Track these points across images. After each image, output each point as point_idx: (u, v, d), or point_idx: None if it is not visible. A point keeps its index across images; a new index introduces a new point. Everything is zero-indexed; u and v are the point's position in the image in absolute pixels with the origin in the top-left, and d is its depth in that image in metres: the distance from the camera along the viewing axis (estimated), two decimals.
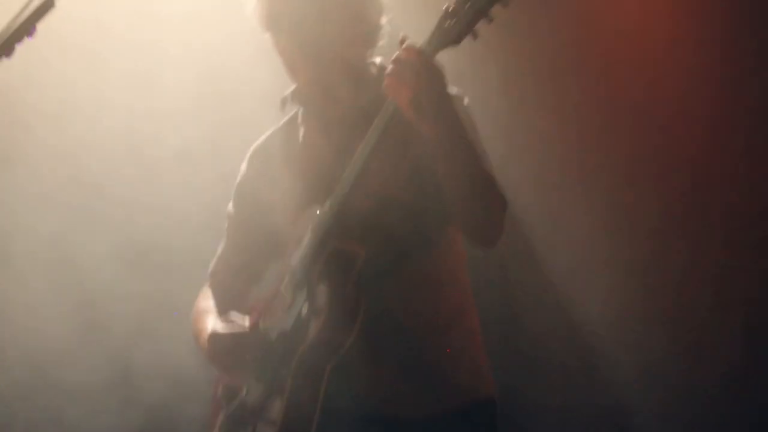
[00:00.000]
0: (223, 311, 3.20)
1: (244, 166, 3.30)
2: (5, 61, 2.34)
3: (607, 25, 4.40)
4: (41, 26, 2.33)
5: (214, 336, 3.08)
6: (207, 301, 3.29)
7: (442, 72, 2.77)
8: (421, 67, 2.73)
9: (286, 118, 3.25)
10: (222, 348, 3.06)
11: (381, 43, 3.09)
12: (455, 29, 2.72)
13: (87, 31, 4.62)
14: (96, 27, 4.64)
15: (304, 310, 2.93)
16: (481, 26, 2.71)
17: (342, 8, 3.01)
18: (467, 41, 2.76)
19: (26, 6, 2.35)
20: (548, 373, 4.59)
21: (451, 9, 2.73)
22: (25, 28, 2.34)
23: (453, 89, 2.91)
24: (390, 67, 2.78)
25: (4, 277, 4.65)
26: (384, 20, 3.08)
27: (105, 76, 4.69)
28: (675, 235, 4.41)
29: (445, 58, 2.80)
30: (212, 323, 3.14)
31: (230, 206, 3.33)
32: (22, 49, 2.31)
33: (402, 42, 2.79)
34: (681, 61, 4.30)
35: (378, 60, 3.12)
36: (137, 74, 4.67)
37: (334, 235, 2.92)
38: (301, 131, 3.19)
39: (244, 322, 3.12)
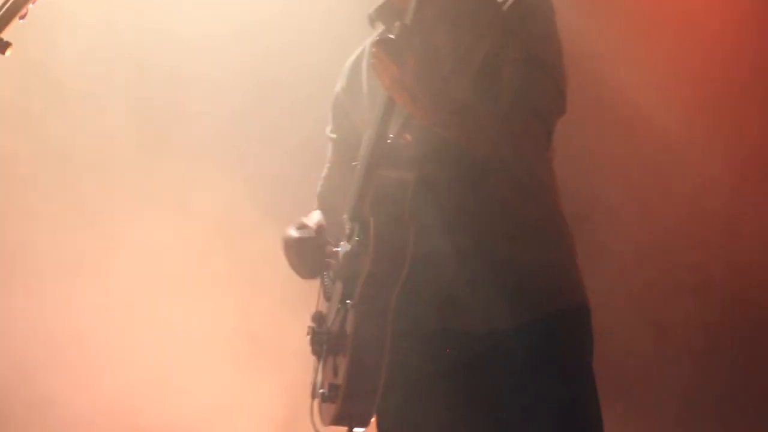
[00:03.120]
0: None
1: (337, 85, 3.30)
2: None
3: None
4: None
5: (285, 239, 3.15)
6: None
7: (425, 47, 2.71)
8: (402, 45, 2.68)
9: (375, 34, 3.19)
10: (290, 250, 3.13)
11: None
12: None
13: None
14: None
15: (355, 245, 2.93)
16: None
17: None
18: None
19: None
20: None
21: None
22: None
23: None
24: (370, 47, 2.72)
25: None
26: None
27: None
28: None
29: None
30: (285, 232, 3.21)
31: (327, 128, 3.35)
32: None
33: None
34: None
35: None
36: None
37: (380, 160, 2.86)
38: None
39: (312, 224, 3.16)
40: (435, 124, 2.80)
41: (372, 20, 3.09)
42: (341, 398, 2.97)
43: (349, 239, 2.99)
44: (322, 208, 3.35)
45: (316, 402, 3.18)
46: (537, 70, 2.86)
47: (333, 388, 2.99)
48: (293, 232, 3.15)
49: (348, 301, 2.93)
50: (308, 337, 3.15)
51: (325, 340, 3.06)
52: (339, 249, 3.08)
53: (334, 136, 3.32)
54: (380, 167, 2.85)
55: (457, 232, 2.91)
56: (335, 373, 3.01)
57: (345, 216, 3.02)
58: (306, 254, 3.10)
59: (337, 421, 3.04)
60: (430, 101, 2.74)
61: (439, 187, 2.88)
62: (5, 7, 2.40)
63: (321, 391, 3.08)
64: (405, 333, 2.90)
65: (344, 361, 2.94)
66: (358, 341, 2.90)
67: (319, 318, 3.16)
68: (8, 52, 2.41)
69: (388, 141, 2.86)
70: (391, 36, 2.72)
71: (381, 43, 2.73)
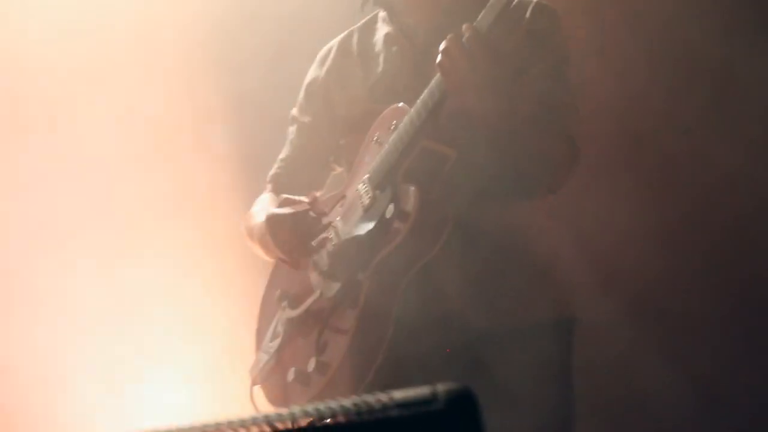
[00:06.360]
0: None
1: (314, 67, 3.20)
2: None
3: None
4: None
5: (273, 216, 2.94)
6: (263, 203, 3.14)
7: (499, 56, 2.72)
8: (475, 50, 2.68)
9: (363, 20, 3.16)
10: (283, 227, 2.92)
11: None
12: None
13: None
14: None
15: (389, 212, 2.81)
16: None
17: None
18: None
19: None
20: None
21: None
22: None
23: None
24: (443, 45, 2.72)
25: None
26: None
27: None
28: None
29: None
30: (267, 210, 3.00)
31: (295, 110, 3.22)
32: None
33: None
34: None
35: None
36: None
37: (426, 133, 2.80)
38: (381, 31, 3.09)
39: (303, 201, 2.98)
40: (490, 127, 2.79)
41: (369, 4, 3.07)
42: (329, 377, 2.83)
43: (368, 209, 2.87)
44: (276, 190, 3.20)
45: (263, 386, 3.03)
46: (557, 84, 2.92)
47: (321, 365, 2.83)
48: (279, 210, 2.96)
49: (360, 274, 2.81)
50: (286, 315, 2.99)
51: (310, 315, 2.91)
52: (336, 220, 2.95)
53: (305, 119, 3.19)
54: (425, 138, 2.80)
55: (478, 222, 2.88)
56: (321, 350, 2.87)
57: (364, 184, 2.91)
58: (303, 230, 2.91)
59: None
60: (494, 107, 2.76)
61: (473, 172, 2.84)
62: None
63: (293, 369, 2.90)
64: (409, 315, 2.81)
65: (343, 338, 2.82)
66: (365, 315, 2.79)
67: (288, 297, 3.01)
68: None
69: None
70: (463, 39, 2.71)
71: (454, 41, 2.71)
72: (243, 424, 1.25)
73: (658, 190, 4.03)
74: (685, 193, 4.01)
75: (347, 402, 1.31)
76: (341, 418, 1.30)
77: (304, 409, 1.33)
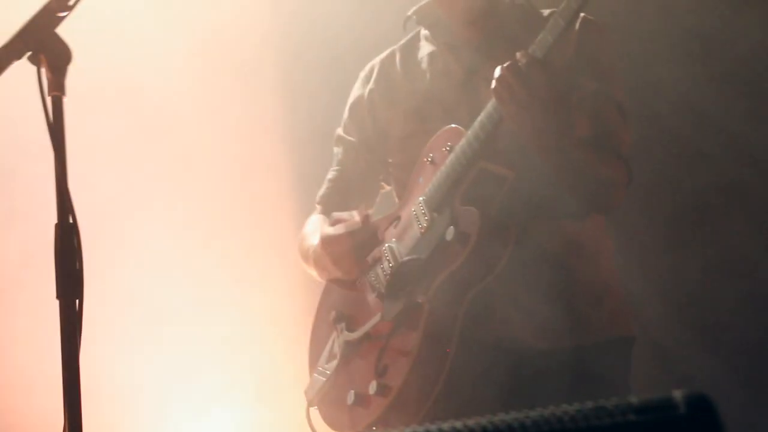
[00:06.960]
0: None
1: (357, 86, 3.18)
2: None
3: None
4: None
5: (327, 237, 2.92)
6: (315, 224, 3.10)
7: (554, 78, 2.69)
8: (532, 75, 2.65)
9: (405, 39, 3.15)
10: (338, 245, 2.90)
11: None
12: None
13: None
14: None
15: (449, 234, 2.77)
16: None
17: None
18: None
19: None
20: None
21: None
22: None
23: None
24: (498, 72, 2.69)
25: None
26: None
27: None
28: None
29: None
30: (321, 231, 2.97)
31: (340, 130, 3.19)
32: None
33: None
34: None
35: None
36: None
37: (483, 154, 2.78)
38: (424, 50, 3.08)
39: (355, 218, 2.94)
40: (545, 148, 2.77)
41: (411, 23, 3.07)
42: (391, 399, 2.80)
43: (426, 231, 2.85)
44: (326, 211, 3.16)
45: (321, 408, 3.00)
46: (608, 104, 2.91)
47: (382, 387, 2.81)
48: (332, 229, 2.93)
49: (420, 296, 2.80)
50: (342, 338, 2.97)
51: (367, 338, 2.90)
52: (392, 244, 2.93)
53: (352, 138, 3.17)
54: (483, 159, 2.78)
55: (537, 242, 2.86)
56: (382, 373, 2.85)
57: (420, 206, 2.88)
58: (357, 246, 2.88)
59: (373, 426, 2.86)
60: (549, 129, 2.73)
61: (530, 193, 2.83)
62: None
63: (353, 392, 2.88)
64: (470, 336, 2.80)
65: (405, 360, 2.79)
66: (428, 337, 2.77)
67: (345, 319, 3.00)
68: None
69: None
70: (520, 65, 2.68)
71: (511, 69, 2.68)
72: None
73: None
74: None
75: (585, 406, 1.30)
76: (580, 422, 1.29)
77: (540, 414, 1.31)
